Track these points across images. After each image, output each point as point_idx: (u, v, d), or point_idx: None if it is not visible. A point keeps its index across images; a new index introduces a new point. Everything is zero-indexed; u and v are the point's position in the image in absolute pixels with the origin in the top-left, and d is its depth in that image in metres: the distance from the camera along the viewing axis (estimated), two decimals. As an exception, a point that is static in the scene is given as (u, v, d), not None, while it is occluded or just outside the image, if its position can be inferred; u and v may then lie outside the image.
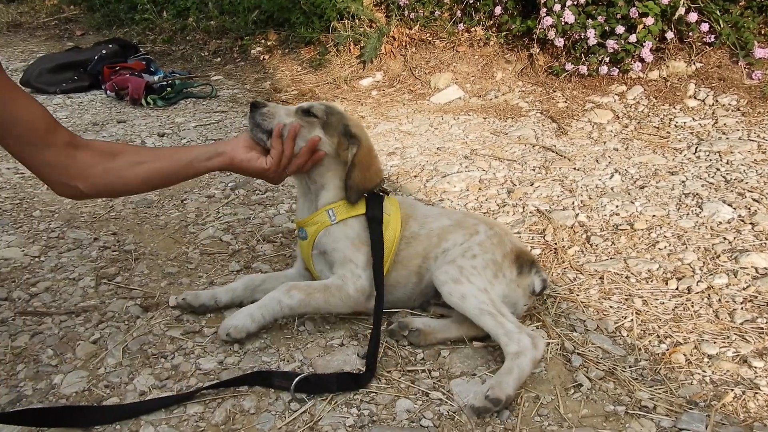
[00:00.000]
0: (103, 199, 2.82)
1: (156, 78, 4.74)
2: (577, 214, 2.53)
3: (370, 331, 1.83)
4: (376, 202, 1.86)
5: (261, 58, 5.62)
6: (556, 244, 2.33)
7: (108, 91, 4.73)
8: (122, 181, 1.71)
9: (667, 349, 1.73)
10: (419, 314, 1.92)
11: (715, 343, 1.74)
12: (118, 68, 4.90)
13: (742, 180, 2.69)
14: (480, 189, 2.86)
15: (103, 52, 5.17)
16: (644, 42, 3.76)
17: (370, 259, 1.81)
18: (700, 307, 1.91)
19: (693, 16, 3.72)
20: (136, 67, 4.93)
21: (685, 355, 1.70)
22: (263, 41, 5.83)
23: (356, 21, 5.06)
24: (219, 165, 1.79)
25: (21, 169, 3.18)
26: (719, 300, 1.94)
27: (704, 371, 1.64)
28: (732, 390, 1.56)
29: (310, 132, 1.82)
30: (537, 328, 1.84)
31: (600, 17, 3.92)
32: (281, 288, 1.80)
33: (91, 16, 7.94)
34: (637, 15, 3.77)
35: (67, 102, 4.63)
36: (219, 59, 5.88)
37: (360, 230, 1.84)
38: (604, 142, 3.34)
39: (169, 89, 4.63)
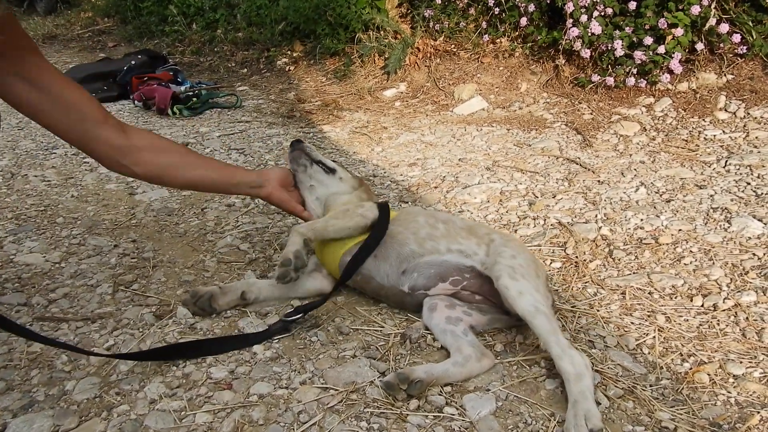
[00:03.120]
0: (126, 206, 2.85)
1: (183, 88, 4.80)
2: (600, 228, 2.48)
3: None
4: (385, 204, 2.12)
5: (286, 69, 5.66)
6: (577, 257, 2.28)
7: (136, 101, 4.80)
8: (171, 176, 1.99)
9: (691, 368, 1.67)
10: (420, 361, 1.73)
11: (741, 362, 1.68)
12: (146, 78, 4.98)
13: (773, 194, 2.61)
14: (501, 201, 2.82)
15: (133, 62, 5.26)
16: (673, 53, 3.68)
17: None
18: (726, 325, 1.84)
19: (724, 27, 3.63)
20: (164, 78, 5.00)
21: (709, 374, 1.64)
22: (289, 52, 5.88)
23: (381, 32, 5.07)
24: (257, 195, 2.14)
25: (47, 176, 3.24)
26: (747, 318, 1.87)
27: (729, 392, 1.58)
28: (758, 412, 1.49)
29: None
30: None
31: (628, 28, 3.86)
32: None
33: (124, 28, 8.11)
34: (666, 26, 3.70)
35: (96, 111, 4.70)
36: (245, 70, 5.94)
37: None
38: (630, 155, 3.27)
39: (195, 99, 4.69)
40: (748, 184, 2.75)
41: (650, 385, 1.62)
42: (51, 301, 2.05)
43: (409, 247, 1.94)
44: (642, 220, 2.51)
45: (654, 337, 1.81)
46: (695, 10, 3.62)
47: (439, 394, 1.59)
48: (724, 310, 1.91)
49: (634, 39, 3.83)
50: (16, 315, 1.95)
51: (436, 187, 3.03)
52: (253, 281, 2.05)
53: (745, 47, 3.69)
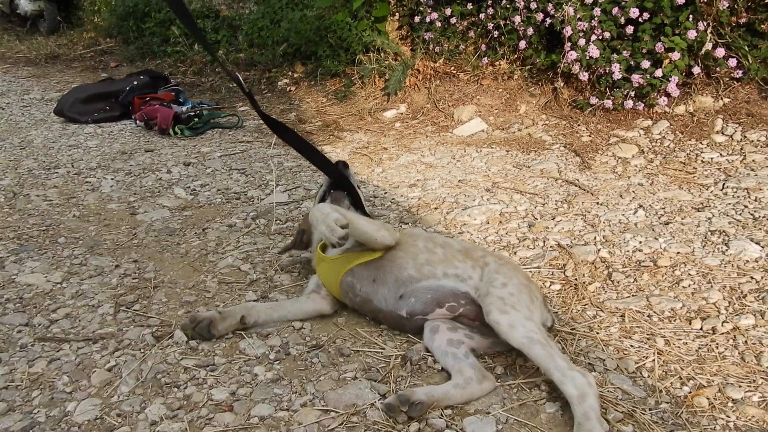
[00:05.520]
0: (128, 226, 2.87)
1: (184, 108, 4.84)
2: (599, 250, 2.49)
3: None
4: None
5: (287, 90, 5.71)
6: (576, 279, 2.29)
7: (137, 121, 4.84)
8: None
9: (690, 392, 1.68)
10: (420, 384, 1.73)
11: (740, 386, 1.68)
12: (148, 99, 5.02)
13: (770, 217, 2.63)
14: (500, 222, 2.83)
15: (135, 83, 5.30)
16: (670, 77, 3.73)
17: None
18: (725, 349, 1.85)
19: (720, 51, 3.68)
20: (166, 98, 5.04)
21: (708, 398, 1.64)
22: (290, 73, 5.94)
23: (381, 54, 5.13)
24: None
25: (49, 196, 3.25)
26: (745, 341, 1.87)
27: (728, 416, 1.58)
28: (758, 437, 1.50)
29: None
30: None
31: (625, 52, 3.91)
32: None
33: (126, 48, 8.17)
34: (663, 50, 3.75)
35: (98, 131, 4.74)
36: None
37: None
38: (629, 177, 3.30)
39: (196, 119, 4.72)
40: (746, 207, 2.77)
41: (650, 409, 1.62)
42: (52, 322, 2.05)
43: (408, 272, 1.95)
44: (641, 242, 2.53)
45: (653, 360, 1.82)
46: (691, 34, 3.68)
47: (440, 417, 1.60)
48: (722, 334, 1.92)
49: (632, 62, 3.87)
50: (17, 335, 1.96)
51: (436, 208, 3.05)
52: (251, 305, 2.05)
53: (741, 71, 3.74)
